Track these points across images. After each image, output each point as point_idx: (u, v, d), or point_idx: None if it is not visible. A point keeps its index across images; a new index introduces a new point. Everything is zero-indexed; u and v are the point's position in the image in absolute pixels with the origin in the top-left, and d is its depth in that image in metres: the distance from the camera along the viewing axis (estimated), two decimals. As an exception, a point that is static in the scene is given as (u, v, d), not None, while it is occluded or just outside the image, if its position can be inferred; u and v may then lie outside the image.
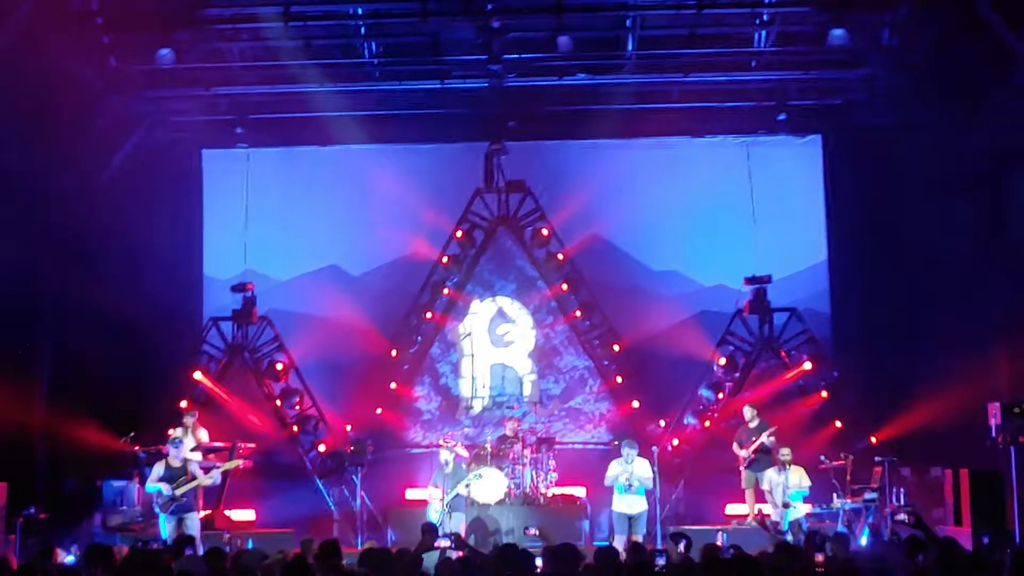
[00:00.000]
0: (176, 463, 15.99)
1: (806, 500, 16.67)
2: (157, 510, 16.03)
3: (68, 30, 17.90)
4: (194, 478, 15.92)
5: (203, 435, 18.42)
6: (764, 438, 17.90)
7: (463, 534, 15.98)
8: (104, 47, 18.86)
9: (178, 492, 15.73)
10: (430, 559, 11.34)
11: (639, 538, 16.26)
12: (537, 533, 13.85)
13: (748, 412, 18.59)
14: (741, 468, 18.42)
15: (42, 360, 19.39)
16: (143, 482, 18.26)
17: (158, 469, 15.99)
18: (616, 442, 18.82)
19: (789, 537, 15.47)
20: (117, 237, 20.38)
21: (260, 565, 10.75)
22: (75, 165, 19.70)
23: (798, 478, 16.49)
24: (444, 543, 11.74)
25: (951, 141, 19.13)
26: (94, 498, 18.22)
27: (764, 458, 17.90)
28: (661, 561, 10.85)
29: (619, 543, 16.01)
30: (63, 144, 19.07)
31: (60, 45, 17.76)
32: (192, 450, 17.54)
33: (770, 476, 16.93)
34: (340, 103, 20.15)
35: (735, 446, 18.48)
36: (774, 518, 16.79)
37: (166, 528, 15.70)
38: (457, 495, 16.92)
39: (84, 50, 18.57)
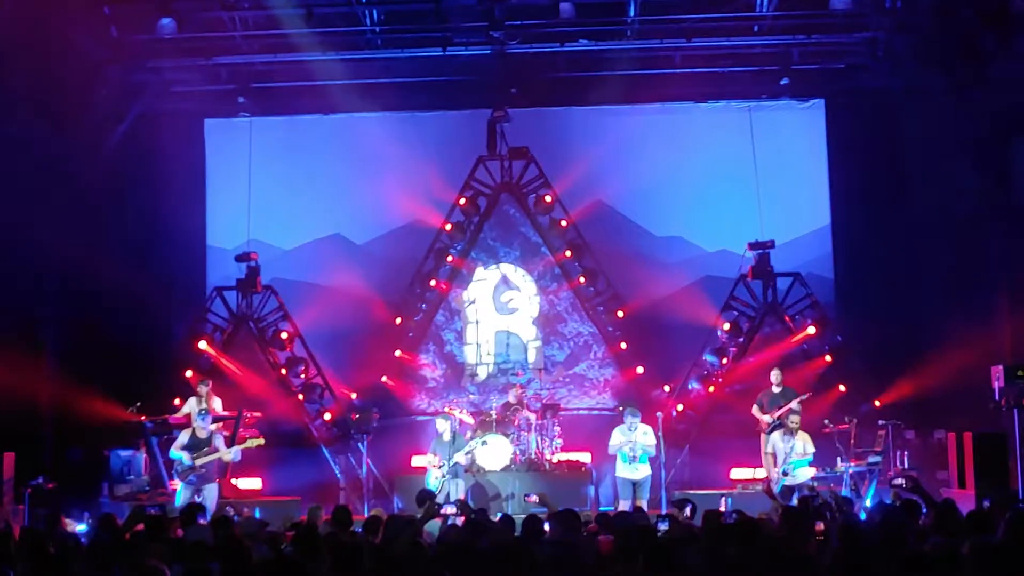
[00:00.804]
0: (203, 433, 16.11)
1: (811, 465, 16.68)
2: (176, 477, 16.19)
3: (69, 1, 17.85)
4: (216, 451, 16.02)
5: (217, 404, 18.49)
6: (794, 404, 17.73)
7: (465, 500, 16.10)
8: (105, 17, 18.86)
9: (198, 463, 15.84)
10: (434, 526, 11.42)
11: (643, 503, 16.36)
12: (537, 500, 13.91)
13: (775, 376, 18.32)
14: (762, 433, 18.15)
15: (47, 331, 19.49)
16: (150, 452, 18.44)
17: (183, 437, 16.14)
18: (621, 408, 18.92)
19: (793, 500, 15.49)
20: (120, 208, 20.46)
21: (264, 533, 10.81)
22: (78, 136, 19.70)
23: (803, 445, 16.47)
24: (449, 509, 11.81)
25: (954, 105, 19.07)
26: (101, 468, 18.30)
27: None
28: (664, 526, 10.89)
29: (624, 508, 16.11)
30: (66, 115, 19.07)
31: (61, 15, 17.75)
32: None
33: (775, 440, 16.89)
34: (342, 71, 20.12)
35: (755, 409, 18.25)
36: (772, 480, 16.77)
37: (182, 497, 15.79)
38: (456, 463, 17.01)
39: (85, 20, 18.56)
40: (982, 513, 9.82)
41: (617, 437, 16.89)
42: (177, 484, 16.33)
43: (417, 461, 19.80)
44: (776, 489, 16.27)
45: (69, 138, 19.36)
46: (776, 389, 18.27)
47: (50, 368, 19.19)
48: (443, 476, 16.97)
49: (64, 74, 18.49)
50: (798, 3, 19.14)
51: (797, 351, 20.24)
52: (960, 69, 18.68)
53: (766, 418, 18.13)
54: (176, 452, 16.06)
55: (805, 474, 16.36)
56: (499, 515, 12.28)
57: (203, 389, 18.47)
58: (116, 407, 18.80)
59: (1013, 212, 18.88)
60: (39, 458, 18.39)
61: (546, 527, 10.25)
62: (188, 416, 18.07)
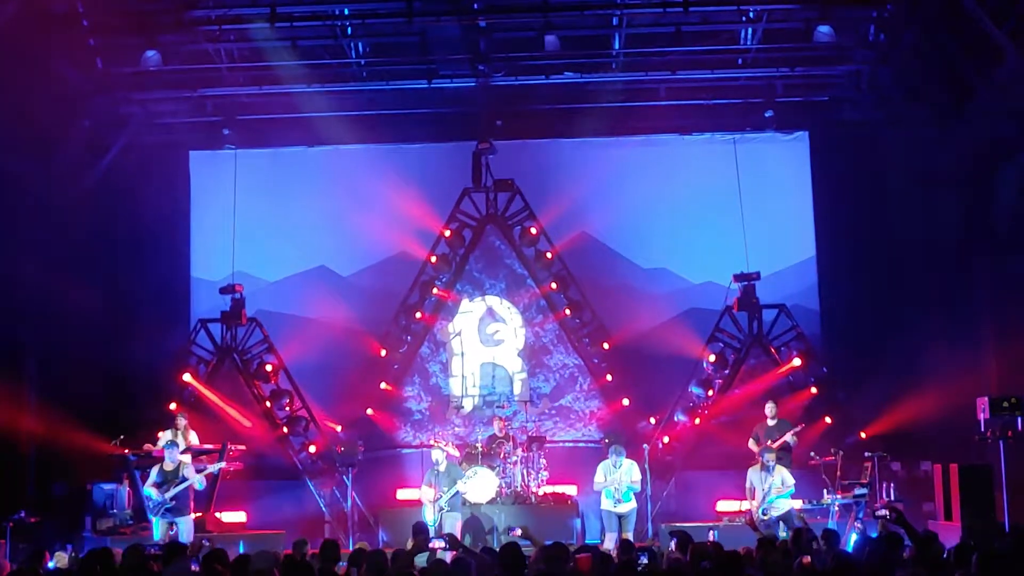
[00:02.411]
0: (170, 466, 16.03)
1: (793, 496, 16.62)
2: (150, 514, 16.07)
3: (54, 32, 17.87)
4: (184, 480, 15.92)
5: (193, 438, 18.41)
6: (788, 437, 17.71)
7: (459, 534, 15.98)
8: (90, 49, 18.84)
9: (167, 495, 15.76)
10: (423, 559, 11.32)
11: (630, 535, 16.27)
12: (521, 533, 13.82)
13: (770, 409, 18.30)
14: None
15: (29, 363, 19.35)
16: (133, 485, 18.31)
17: (153, 474, 16.05)
18: (607, 441, 18.87)
19: (782, 532, 15.44)
20: (105, 239, 20.40)
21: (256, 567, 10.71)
22: (62, 167, 19.69)
23: (780, 479, 16.39)
24: (438, 544, 11.72)
25: (937, 137, 19.20)
26: (84, 502, 18.15)
27: (785, 456, 17.60)
28: (644, 559, 10.82)
29: (610, 542, 16.05)
30: (49, 146, 19.08)
31: (46, 47, 17.75)
32: (182, 452, 17.50)
33: (751, 477, 16.76)
34: (327, 103, 20.18)
35: (751, 443, 18.17)
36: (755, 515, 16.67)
37: (158, 531, 15.74)
38: (456, 494, 16.84)
39: (70, 52, 18.54)
40: (966, 548, 9.76)
41: (600, 475, 16.82)
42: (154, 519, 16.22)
43: (403, 494, 19.74)
44: (757, 522, 16.20)
45: (53, 169, 19.33)
46: (771, 422, 18.25)
47: (32, 401, 19.05)
48: (440, 509, 16.79)
49: (48, 105, 18.47)
50: (782, 36, 19.22)
51: (783, 383, 20.23)
52: (942, 101, 18.82)
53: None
54: (147, 489, 15.98)
55: (787, 506, 16.30)
56: (480, 546, 12.19)
57: (181, 422, 18.38)
58: (99, 440, 18.65)
59: (997, 243, 18.97)
60: (21, 492, 18.23)
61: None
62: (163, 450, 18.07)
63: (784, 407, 19.29)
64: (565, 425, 21.47)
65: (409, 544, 12.76)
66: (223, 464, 17.18)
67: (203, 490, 16.62)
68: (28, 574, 10.27)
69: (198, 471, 16.41)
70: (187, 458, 16.96)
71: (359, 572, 10.21)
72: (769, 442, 17.72)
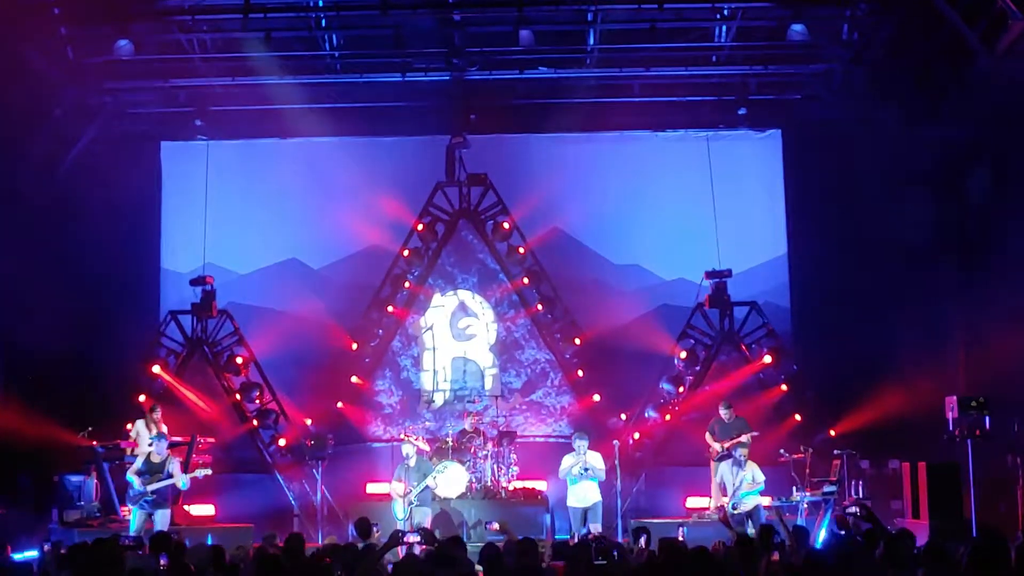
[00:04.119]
0: (157, 458, 16.07)
1: (763, 494, 16.71)
2: (128, 502, 16.13)
3: (24, 21, 17.68)
4: (169, 476, 15.90)
5: (163, 430, 18.28)
6: (744, 439, 17.77)
7: (429, 528, 15.95)
8: (61, 38, 18.69)
9: (150, 488, 15.80)
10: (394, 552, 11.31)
11: (598, 527, 16.26)
12: (499, 528, 13.84)
13: (724, 411, 18.42)
14: (712, 460, 18.34)
15: (-4, 353, 19.19)
16: (101, 477, 18.19)
17: (138, 462, 16.12)
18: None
19: (750, 529, 15.50)
20: (74, 229, 20.20)
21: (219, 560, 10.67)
22: (31, 157, 19.51)
23: (752, 475, 16.50)
24: (412, 538, 11.69)
25: (909, 137, 19.28)
26: (50, 493, 18.03)
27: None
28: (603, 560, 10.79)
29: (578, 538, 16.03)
30: (19, 136, 18.86)
31: (16, 36, 17.56)
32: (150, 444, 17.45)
33: (723, 471, 16.92)
34: (300, 95, 20.10)
35: (708, 435, 18.45)
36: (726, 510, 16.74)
37: (135, 522, 15.78)
38: (426, 488, 16.84)
39: (41, 41, 18.38)
40: (936, 545, 9.80)
41: (567, 461, 16.88)
42: (129, 509, 16.22)
43: (373, 488, 19.68)
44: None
45: (21, 158, 19.14)
46: (726, 418, 18.38)
47: (-1, 391, 18.90)
48: (410, 503, 16.76)
49: (17, 94, 18.26)
50: (756, 34, 19.31)
51: (753, 380, 20.31)
52: (914, 101, 18.91)
53: (716, 445, 18.28)
54: (130, 476, 16.02)
55: (754, 502, 16.38)
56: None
57: (156, 415, 18.27)
58: (67, 432, 18.52)
59: (967, 243, 19.09)
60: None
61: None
62: (135, 441, 18.02)
63: (754, 404, 19.44)
64: (536, 420, 21.47)
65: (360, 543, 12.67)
66: (209, 471, 17.08)
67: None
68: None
69: (185, 474, 16.36)
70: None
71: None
72: (725, 441, 17.91)
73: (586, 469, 16.64)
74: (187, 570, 10.28)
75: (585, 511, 16.71)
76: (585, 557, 10.24)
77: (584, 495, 16.74)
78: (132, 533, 15.26)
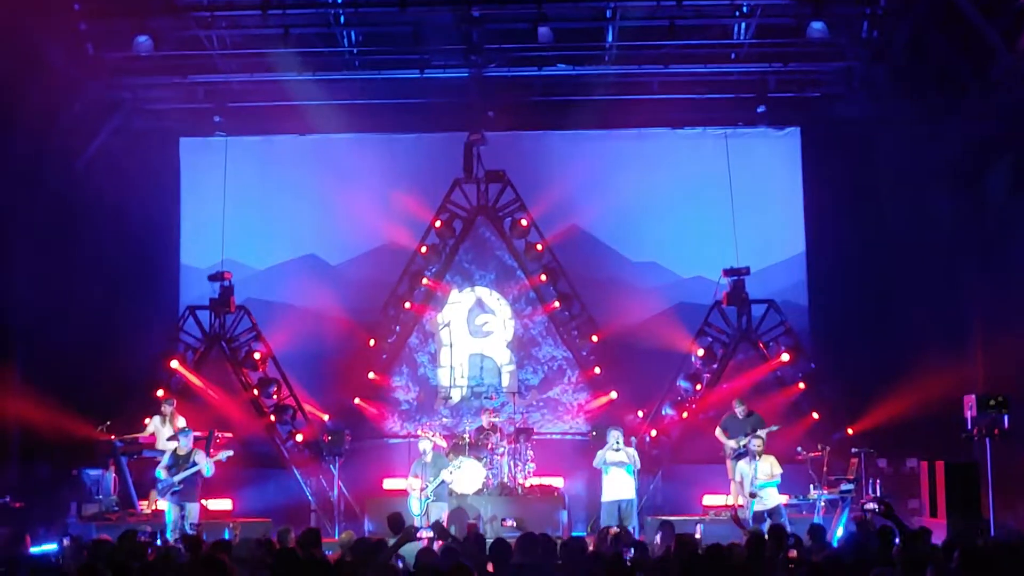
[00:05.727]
0: (183, 451, 16.25)
1: (779, 489, 16.64)
2: (158, 495, 16.49)
3: (44, 17, 17.75)
4: (193, 465, 16.04)
5: (180, 423, 18.36)
6: (762, 433, 17.62)
7: (445, 523, 15.96)
8: (81, 34, 18.76)
9: (176, 479, 15.96)
10: (409, 548, 11.30)
11: (629, 526, 16.17)
12: (515, 524, 13.84)
13: (738, 408, 18.42)
14: (728, 459, 18.31)
15: (16, 346, 19.25)
16: (119, 471, 18.32)
17: (166, 457, 16.34)
18: (594, 433, 18.92)
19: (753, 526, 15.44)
20: (93, 224, 20.29)
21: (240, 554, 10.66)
22: (51, 152, 19.59)
23: (768, 467, 16.39)
24: (426, 534, 11.70)
25: (929, 134, 19.23)
26: (68, 487, 18.12)
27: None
28: (631, 554, 10.83)
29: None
30: (39, 131, 18.93)
31: (37, 31, 17.63)
32: (169, 439, 17.53)
33: (740, 467, 16.86)
34: (319, 92, 20.12)
35: (719, 432, 18.45)
36: (744, 509, 16.70)
37: (170, 514, 16.02)
38: (442, 483, 16.86)
39: (61, 37, 18.46)
40: (953, 545, 9.76)
41: (612, 455, 16.71)
42: (153, 501, 16.90)
43: (389, 484, 19.71)
44: (748, 514, 16.18)
45: (43, 154, 19.22)
46: (740, 415, 18.37)
47: (18, 384, 18.95)
48: (426, 498, 16.80)
49: (37, 89, 18.35)
50: (775, 32, 19.25)
51: (770, 378, 20.27)
52: (935, 98, 18.85)
53: (731, 443, 18.22)
54: (159, 471, 16.29)
55: (775, 497, 16.29)
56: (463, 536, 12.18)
57: (167, 408, 18.39)
58: (86, 426, 18.60)
59: (986, 241, 19.02)
60: (5, 476, 18.15)
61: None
62: (153, 435, 18.23)
63: (771, 402, 19.39)
64: (553, 417, 21.46)
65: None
66: (231, 452, 17.16)
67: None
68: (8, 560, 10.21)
69: (208, 460, 16.48)
70: (172, 444, 16.95)
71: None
72: (739, 440, 17.88)
73: (618, 451, 16.52)
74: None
75: (620, 506, 16.63)
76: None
77: (621, 485, 16.63)
78: (169, 522, 15.72)
